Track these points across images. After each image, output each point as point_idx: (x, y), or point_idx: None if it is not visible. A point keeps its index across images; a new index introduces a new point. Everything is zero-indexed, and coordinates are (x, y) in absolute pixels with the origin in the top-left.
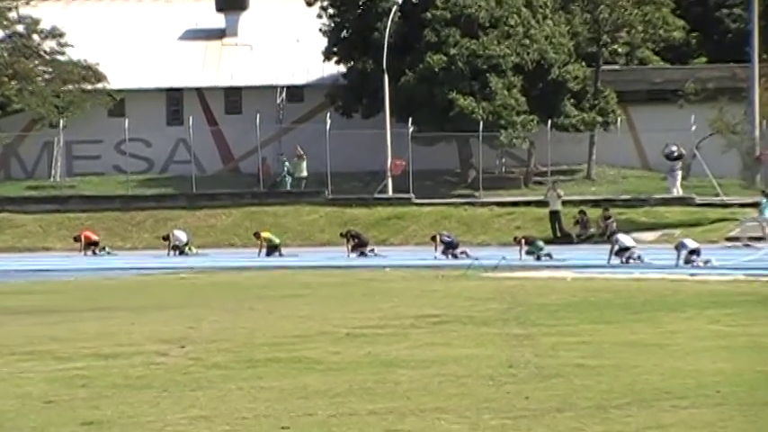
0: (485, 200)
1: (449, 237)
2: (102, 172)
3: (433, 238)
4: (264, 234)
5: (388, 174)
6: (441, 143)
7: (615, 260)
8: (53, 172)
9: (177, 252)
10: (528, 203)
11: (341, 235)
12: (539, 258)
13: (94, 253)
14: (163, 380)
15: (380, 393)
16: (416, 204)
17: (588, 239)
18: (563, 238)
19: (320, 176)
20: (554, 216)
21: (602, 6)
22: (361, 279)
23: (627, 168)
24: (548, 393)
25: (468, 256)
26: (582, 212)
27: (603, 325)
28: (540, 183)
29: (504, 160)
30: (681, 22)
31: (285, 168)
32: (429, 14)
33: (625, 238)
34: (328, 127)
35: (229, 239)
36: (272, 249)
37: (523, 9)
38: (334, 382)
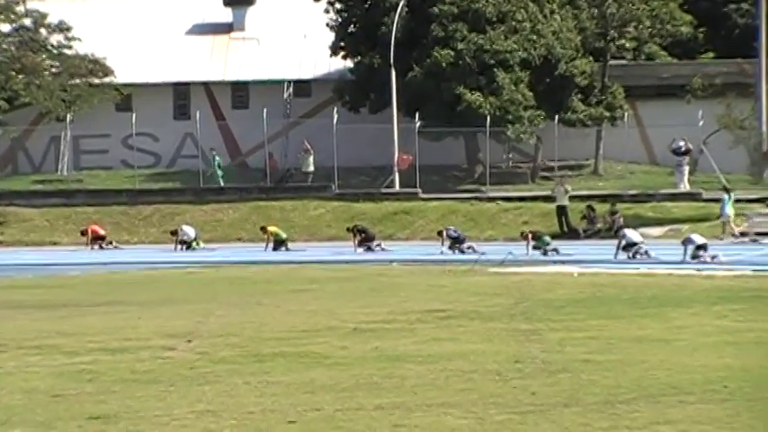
0: (492, 195)
1: (455, 232)
2: (109, 166)
3: (440, 233)
4: (271, 229)
5: (395, 168)
6: (448, 138)
7: (622, 255)
8: (60, 166)
9: (185, 247)
10: (535, 198)
11: (348, 230)
12: (545, 253)
13: (101, 247)
14: (170, 374)
15: (387, 388)
16: (423, 199)
17: (595, 235)
18: (570, 234)
19: (327, 171)
20: (561, 211)
21: (609, 1)
22: (369, 274)
23: (634, 163)
24: (554, 389)
25: (474, 251)
26: (589, 207)
27: (610, 320)
28: (547, 178)
29: (511, 155)
30: (688, 18)
31: (215, 163)
32: (436, 9)
33: (632, 234)
34: (335, 122)
35: (236, 234)
36: (279, 244)
37: (531, 4)
38: (340, 376)
